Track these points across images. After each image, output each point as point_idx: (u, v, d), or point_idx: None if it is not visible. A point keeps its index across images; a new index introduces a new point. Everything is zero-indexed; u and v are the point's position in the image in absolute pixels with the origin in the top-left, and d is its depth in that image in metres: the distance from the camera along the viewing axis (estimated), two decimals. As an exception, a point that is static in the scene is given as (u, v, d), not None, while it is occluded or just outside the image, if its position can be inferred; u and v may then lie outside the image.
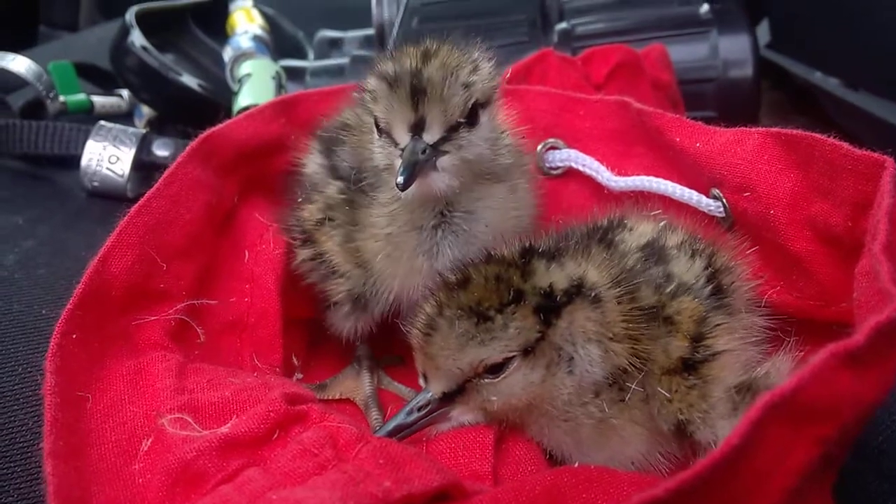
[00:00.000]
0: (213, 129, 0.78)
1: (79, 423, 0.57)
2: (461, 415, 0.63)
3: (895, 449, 0.67)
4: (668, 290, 0.64)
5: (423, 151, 0.63)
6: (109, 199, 1.09)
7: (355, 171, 0.73)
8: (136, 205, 0.70)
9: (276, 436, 0.56)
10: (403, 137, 0.64)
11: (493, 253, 0.63)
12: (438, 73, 0.64)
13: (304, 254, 0.76)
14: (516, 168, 0.75)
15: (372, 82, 0.67)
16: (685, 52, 1.13)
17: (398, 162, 0.63)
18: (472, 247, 0.70)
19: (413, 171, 0.62)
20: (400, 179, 0.61)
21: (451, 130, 0.65)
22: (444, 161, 0.65)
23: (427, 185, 0.66)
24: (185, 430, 0.56)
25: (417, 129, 0.63)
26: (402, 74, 0.64)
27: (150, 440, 0.56)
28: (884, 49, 1.12)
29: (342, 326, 0.78)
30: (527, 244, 0.64)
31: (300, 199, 0.77)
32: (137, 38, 1.22)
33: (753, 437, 0.44)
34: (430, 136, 0.64)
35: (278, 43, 1.47)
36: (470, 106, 0.65)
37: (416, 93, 0.63)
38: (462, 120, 0.65)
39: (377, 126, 0.67)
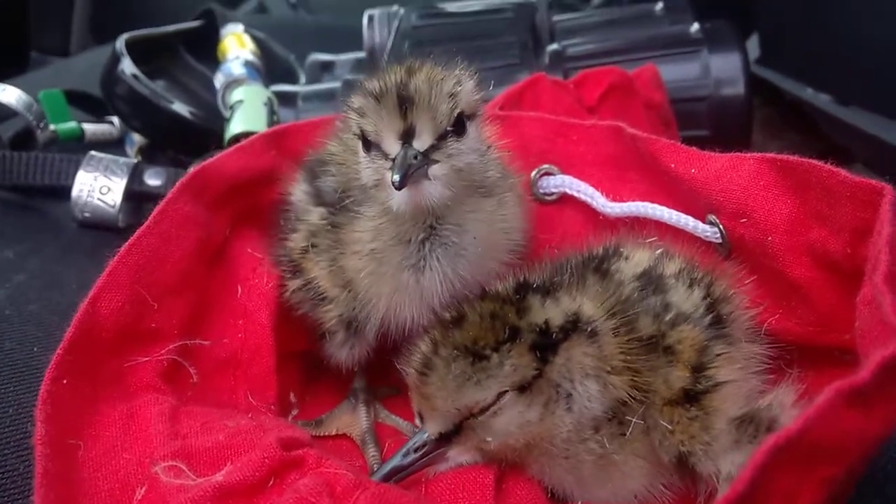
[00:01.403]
0: (203, 163, 0.78)
1: (70, 472, 0.56)
2: (459, 455, 0.62)
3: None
4: (668, 318, 0.64)
5: (415, 157, 0.63)
6: (101, 229, 1.08)
7: (340, 192, 0.73)
8: (126, 244, 0.69)
9: (271, 483, 0.55)
10: (394, 147, 0.64)
11: (488, 289, 0.62)
12: (424, 84, 0.64)
13: (293, 284, 0.75)
14: (504, 183, 0.74)
15: (358, 100, 0.67)
16: (677, 72, 1.13)
17: (388, 175, 0.63)
18: (460, 260, 0.70)
19: (407, 172, 0.62)
20: (395, 179, 0.61)
21: (441, 138, 0.64)
22: (435, 170, 0.64)
23: (420, 194, 0.65)
24: (179, 478, 0.55)
25: (408, 136, 0.63)
26: (388, 87, 0.64)
27: (144, 489, 0.55)
28: (874, 63, 1.12)
29: (339, 355, 0.77)
30: (521, 279, 0.63)
31: (286, 230, 0.77)
32: (127, 66, 1.22)
33: (759, 481, 0.43)
34: (421, 144, 0.63)
35: (270, 67, 1.46)
36: (456, 115, 0.65)
37: (404, 102, 0.63)
38: (450, 129, 0.65)
39: (365, 141, 0.67)
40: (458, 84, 0.67)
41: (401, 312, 0.72)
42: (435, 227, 0.69)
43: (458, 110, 0.65)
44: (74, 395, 0.61)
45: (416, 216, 0.68)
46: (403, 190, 0.63)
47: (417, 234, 0.69)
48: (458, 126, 0.66)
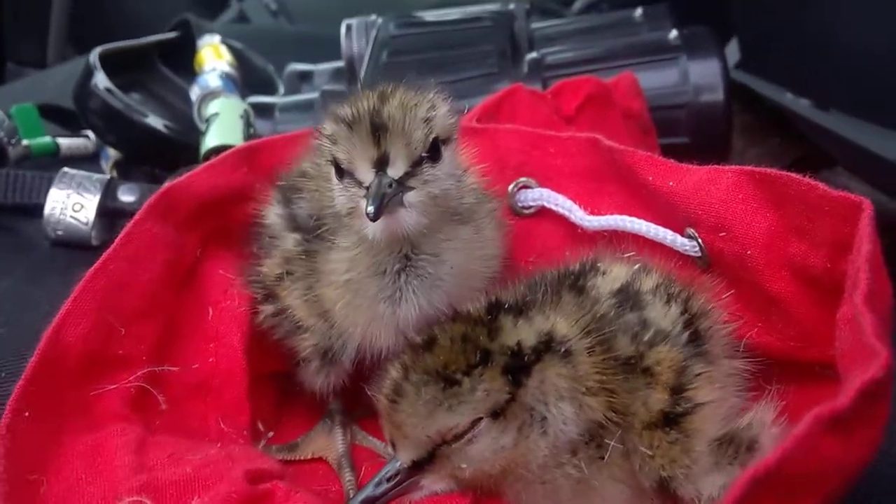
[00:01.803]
0: (172, 182, 0.76)
1: (33, 510, 0.55)
2: (433, 483, 0.61)
3: (885, 487, 0.65)
4: (646, 338, 0.62)
5: (390, 186, 0.61)
6: (74, 247, 1.06)
7: (314, 219, 0.71)
8: (92, 268, 0.67)
9: (238, 519, 0.53)
10: (367, 175, 0.62)
11: (458, 310, 0.61)
12: (398, 111, 0.63)
13: (266, 310, 0.74)
14: (480, 208, 0.73)
15: (329, 127, 0.65)
16: (655, 79, 1.11)
17: (363, 203, 0.61)
18: (437, 291, 0.69)
19: (381, 202, 0.60)
20: (370, 210, 0.59)
21: (416, 165, 0.63)
22: (410, 197, 0.63)
23: (395, 223, 0.64)
24: (144, 513, 0.53)
25: (381, 164, 0.62)
26: (361, 114, 0.63)
27: (108, 525, 0.53)
28: (854, 68, 1.11)
29: (314, 382, 0.76)
30: (493, 299, 0.62)
31: (260, 253, 0.75)
32: (101, 79, 1.20)
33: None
34: (395, 171, 0.62)
35: (248, 77, 1.45)
36: (431, 140, 0.64)
37: (378, 129, 0.62)
38: (425, 154, 0.64)
39: (338, 169, 0.65)
40: (433, 108, 0.65)
41: (376, 342, 0.71)
42: (410, 258, 0.68)
43: (432, 136, 0.64)
44: (37, 428, 0.59)
45: (391, 245, 0.67)
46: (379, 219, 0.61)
47: (393, 264, 0.68)
48: (434, 151, 0.65)
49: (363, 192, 0.62)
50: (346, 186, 0.65)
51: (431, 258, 0.68)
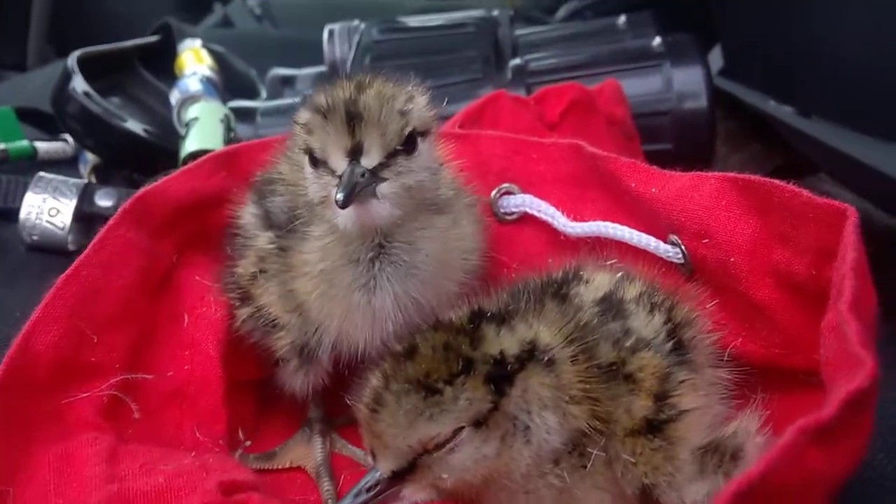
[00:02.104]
0: (147, 187, 0.74)
1: (-4, 522, 0.53)
2: (414, 493, 0.59)
3: (870, 493, 0.65)
4: (628, 344, 0.62)
5: (363, 175, 0.61)
6: (50, 253, 1.04)
7: (288, 214, 0.71)
8: (64, 274, 0.65)
9: (210, 531, 0.52)
10: (341, 164, 0.61)
11: (435, 308, 0.60)
12: (375, 101, 0.62)
13: (243, 313, 0.73)
14: (458, 201, 0.72)
15: (305, 115, 0.64)
16: (639, 86, 1.11)
17: (335, 191, 0.60)
18: (412, 279, 0.68)
19: (352, 191, 0.59)
20: (339, 196, 0.59)
21: (390, 156, 0.62)
22: (383, 188, 0.62)
23: (367, 214, 0.63)
24: (114, 525, 0.51)
25: (355, 153, 0.61)
26: (336, 103, 0.62)
27: (76, 538, 0.52)
28: (837, 75, 1.12)
29: (293, 383, 0.75)
30: (476, 307, 0.61)
31: (234, 255, 0.74)
32: (79, 83, 1.18)
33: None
34: (369, 161, 0.61)
35: (230, 81, 1.43)
36: (407, 133, 0.63)
37: (353, 118, 0.61)
38: (400, 147, 0.63)
39: (312, 158, 0.64)
40: (410, 101, 0.65)
41: (353, 335, 0.69)
42: (384, 246, 0.67)
43: (409, 128, 0.63)
44: (5, 437, 0.57)
45: (363, 235, 0.66)
46: (349, 208, 0.61)
47: (366, 253, 0.67)
48: (409, 144, 0.64)
49: (336, 181, 0.61)
50: (318, 175, 0.64)
51: (405, 246, 0.67)
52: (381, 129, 0.61)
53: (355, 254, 0.67)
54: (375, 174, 0.62)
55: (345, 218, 0.63)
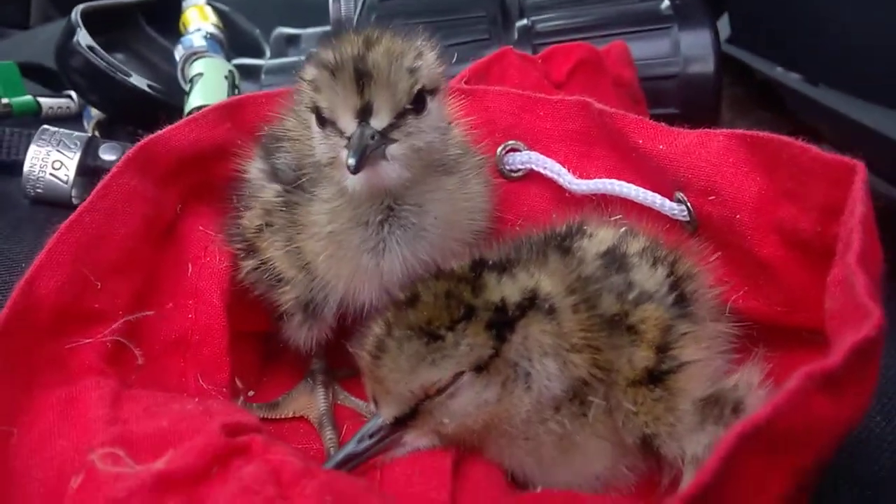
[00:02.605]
0: (152, 136, 0.74)
1: (1, 460, 0.53)
2: (415, 439, 0.60)
3: (867, 453, 0.65)
4: (631, 297, 0.62)
5: (373, 137, 0.60)
6: (54, 206, 1.04)
7: (295, 170, 0.70)
8: (68, 220, 0.65)
9: (214, 471, 0.52)
10: (350, 125, 0.60)
11: (442, 268, 0.60)
12: (384, 59, 0.60)
13: (248, 265, 0.72)
14: (466, 161, 0.72)
15: (311, 72, 0.63)
16: (646, 49, 1.10)
17: (343, 153, 0.60)
18: (421, 242, 0.67)
19: (363, 154, 0.58)
20: (351, 161, 0.58)
21: (399, 117, 0.61)
22: (393, 149, 0.61)
23: (377, 176, 0.62)
24: (118, 465, 0.51)
25: (364, 114, 0.60)
26: (344, 60, 0.60)
27: (80, 478, 0.52)
28: (845, 43, 1.11)
29: (297, 337, 0.75)
30: (477, 257, 0.61)
31: (240, 207, 0.73)
32: (83, 37, 1.17)
33: (726, 470, 0.41)
34: (379, 122, 0.60)
35: (234, 40, 1.42)
36: (416, 92, 0.62)
37: (362, 77, 0.59)
38: (409, 106, 0.62)
39: (319, 117, 0.63)
40: (419, 58, 0.63)
41: (360, 295, 0.69)
42: (393, 209, 0.66)
43: (418, 86, 0.62)
44: (8, 379, 0.57)
45: (372, 197, 0.65)
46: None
47: (375, 215, 0.66)
48: (419, 103, 0.62)
49: (344, 142, 0.61)
50: (326, 135, 0.63)
51: (415, 208, 0.66)
52: (391, 88, 0.60)
53: (364, 216, 0.66)
54: (385, 135, 0.61)
55: (354, 180, 0.62)
